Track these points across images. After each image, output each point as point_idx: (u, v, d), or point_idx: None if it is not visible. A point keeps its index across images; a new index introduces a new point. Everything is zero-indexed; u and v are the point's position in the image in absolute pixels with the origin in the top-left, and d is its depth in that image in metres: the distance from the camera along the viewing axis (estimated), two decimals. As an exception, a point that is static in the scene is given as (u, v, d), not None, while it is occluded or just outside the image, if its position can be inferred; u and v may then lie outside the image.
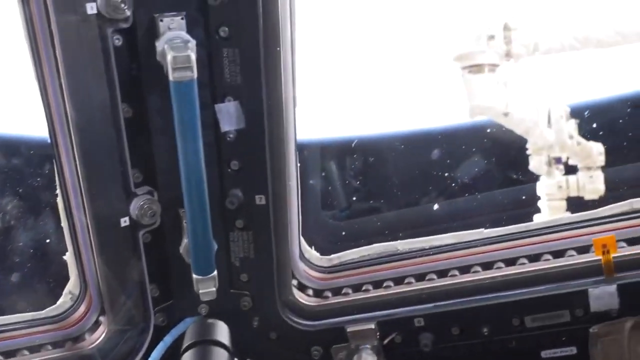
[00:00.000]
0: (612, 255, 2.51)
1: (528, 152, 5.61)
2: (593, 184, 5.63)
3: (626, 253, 2.55)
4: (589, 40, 4.61)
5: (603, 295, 2.49)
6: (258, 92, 2.32)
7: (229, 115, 2.35)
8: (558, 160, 5.60)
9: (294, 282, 2.74)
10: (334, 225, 6.07)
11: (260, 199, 2.46)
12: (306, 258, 2.80)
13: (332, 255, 2.88)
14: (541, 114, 5.31)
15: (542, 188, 5.61)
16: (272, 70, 2.31)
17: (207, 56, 2.26)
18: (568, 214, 5.56)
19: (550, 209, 5.63)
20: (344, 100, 6.14)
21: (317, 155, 6.16)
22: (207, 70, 2.27)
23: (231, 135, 2.37)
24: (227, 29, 2.22)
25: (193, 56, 2.08)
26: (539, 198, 5.65)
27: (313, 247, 2.86)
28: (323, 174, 6.21)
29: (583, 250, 2.63)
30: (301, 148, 2.70)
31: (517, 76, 5.03)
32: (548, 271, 2.61)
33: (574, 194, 5.61)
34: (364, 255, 2.84)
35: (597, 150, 5.53)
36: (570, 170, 5.64)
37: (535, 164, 5.63)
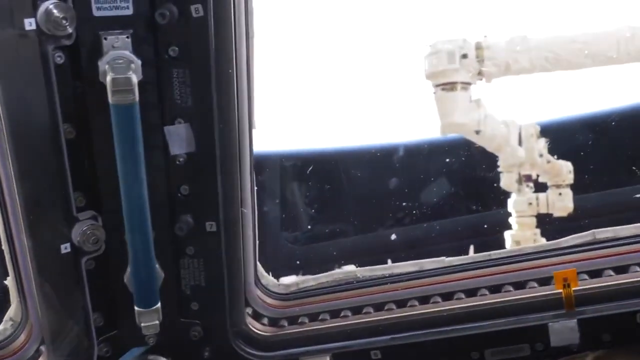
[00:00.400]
0: (573, 288, 2.46)
1: (499, 169, 5.61)
2: (562, 202, 5.67)
3: (587, 286, 2.50)
4: (559, 62, 4.63)
5: (563, 329, 2.44)
6: (209, 114, 2.22)
7: (179, 138, 2.24)
8: (528, 177, 5.62)
9: (249, 310, 2.64)
10: (292, 248, 5.96)
11: (210, 226, 2.36)
12: (262, 284, 2.70)
13: (290, 282, 2.78)
14: (512, 132, 5.31)
15: (513, 205, 5.61)
16: (225, 91, 2.21)
17: (156, 76, 2.15)
18: (537, 231, 5.62)
19: (520, 225, 5.65)
20: (307, 112, 6.06)
21: (277, 170, 6.02)
22: (156, 91, 2.17)
23: (181, 159, 2.27)
24: (176, 48, 2.13)
25: (135, 78, 1.97)
26: (509, 214, 5.65)
27: (270, 273, 2.76)
28: (277, 201, 6.06)
29: (544, 281, 2.57)
30: (258, 164, 2.58)
31: (489, 94, 5.02)
32: (509, 303, 2.55)
33: (543, 211, 5.63)
34: (322, 282, 2.76)
35: (566, 168, 5.55)
36: (541, 187, 5.65)
37: (506, 181, 5.66)
